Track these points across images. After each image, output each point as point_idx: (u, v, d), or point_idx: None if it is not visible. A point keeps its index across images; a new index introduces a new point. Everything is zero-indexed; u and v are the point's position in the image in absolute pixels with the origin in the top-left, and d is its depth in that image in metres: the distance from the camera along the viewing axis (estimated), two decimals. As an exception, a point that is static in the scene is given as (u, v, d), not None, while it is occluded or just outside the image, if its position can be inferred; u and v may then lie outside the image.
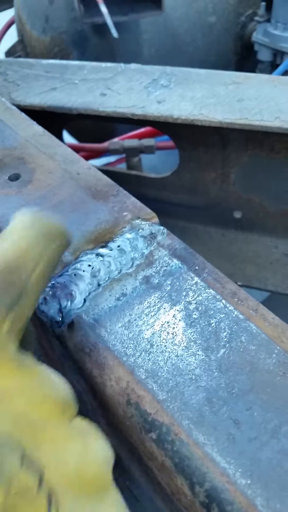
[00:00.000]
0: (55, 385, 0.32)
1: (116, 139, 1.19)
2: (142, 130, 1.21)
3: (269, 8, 1.68)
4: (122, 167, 1.35)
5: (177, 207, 1.05)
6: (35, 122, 0.65)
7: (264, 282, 0.98)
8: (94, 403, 0.51)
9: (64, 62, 0.86)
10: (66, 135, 1.74)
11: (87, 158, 1.24)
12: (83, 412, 0.69)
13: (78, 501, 0.27)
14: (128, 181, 1.05)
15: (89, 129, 1.57)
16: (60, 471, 0.28)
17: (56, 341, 0.46)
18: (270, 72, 1.70)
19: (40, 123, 0.65)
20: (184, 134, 0.85)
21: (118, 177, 1.05)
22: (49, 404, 0.31)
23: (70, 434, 0.31)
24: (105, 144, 1.16)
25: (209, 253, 1.04)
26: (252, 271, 1.00)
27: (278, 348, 0.38)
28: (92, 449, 0.31)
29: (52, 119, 0.80)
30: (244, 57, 1.85)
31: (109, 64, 0.83)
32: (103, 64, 0.83)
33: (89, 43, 1.47)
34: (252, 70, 1.87)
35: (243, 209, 0.98)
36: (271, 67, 1.78)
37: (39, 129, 0.63)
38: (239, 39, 1.78)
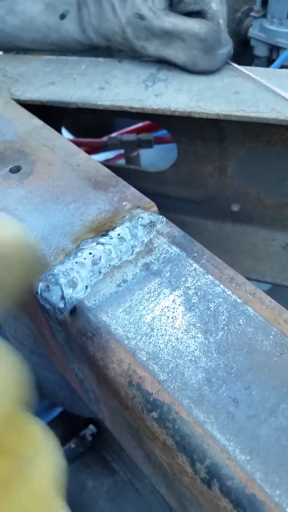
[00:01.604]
0: (12, 367, 0.32)
1: (114, 134, 1.20)
2: (140, 124, 1.22)
3: (264, 3, 1.69)
4: (121, 163, 1.37)
5: (176, 200, 1.06)
6: (34, 116, 0.65)
7: (262, 274, 0.99)
8: (97, 389, 0.52)
9: (62, 57, 0.87)
10: (64, 132, 1.75)
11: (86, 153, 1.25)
12: (82, 399, 0.70)
13: None
14: (127, 175, 1.06)
15: (88, 125, 1.58)
16: None
17: (59, 327, 0.47)
18: (267, 67, 1.71)
19: (39, 118, 0.66)
20: (182, 128, 0.86)
21: (117, 172, 1.06)
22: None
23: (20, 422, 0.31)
24: (104, 139, 1.17)
25: (207, 246, 1.04)
26: (250, 263, 1.01)
27: (275, 330, 0.39)
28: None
29: (50, 114, 0.81)
30: (240, 53, 1.85)
31: (107, 59, 0.84)
32: (101, 59, 0.84)
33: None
34: (249, 65, 1.88)
35: (241, 202, 0.99)
36: (268, 62, 1.79)
37: (39, 122, 0.64)
38: (235, 36, 1.78)
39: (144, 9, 0.72)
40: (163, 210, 1.12)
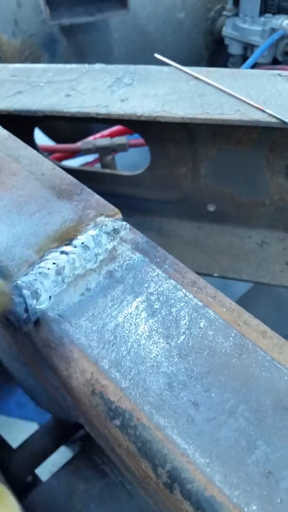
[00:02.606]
0: None
1: (89, 139, 1.20)
2: (114, 128, 1.23)
3: (236, 2, 1.70)
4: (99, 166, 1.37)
5: (152, 203, 1.06)
6: (0, 126, 0.65)
7: (239, 272, 1.00)
8: (68, 397, 0.52)
9: (30, 65, 0.87)
10: (43, 137, 1.75)
11: (62, 158, 1.25)
12: (63, 407, 0.70)
13: None
14: (103, 180, 1.06)
15: (64, 130, 1.58)
16: None
17: (25, 338, 0.48)
18: (242, 65, 1.72)
19: (10, 126, 0.66)
20: (153, 131, 0.87)
21: (93, 177, 1.06)
22: None
23: None
24: (78, 144, 1.17)
25: (185, 247, 1.06)
26: (228, 262, 1.02)
27: (234, 331, 0.40)
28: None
29: (21, 122, 0.81)
30: (215, 52, 1.87)
31: (73, 66, 0.84)
32: (68, 66, 0.84)
33: (59, 45, 1.48)
34: (224, 64, 1.89)
35: (216, 202, 0.99)
36: (243, 60, 1.81)
37: (4, 132, 0.64)
38: (209, 34, 1.80)
39: None
40: (140, 212, 1.13)
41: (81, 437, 1.12)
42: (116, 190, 1.05)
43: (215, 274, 1.00)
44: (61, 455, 1.14)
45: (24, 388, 1.06)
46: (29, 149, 0.61)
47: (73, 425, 1.12)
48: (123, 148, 1.10)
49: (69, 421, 1.12)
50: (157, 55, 0.83)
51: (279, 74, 0.79)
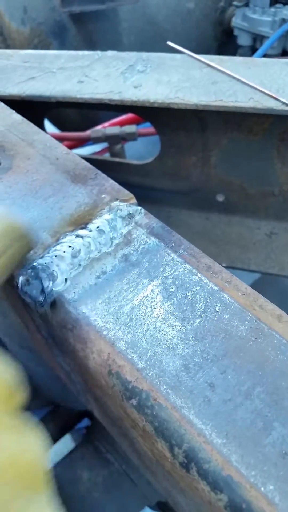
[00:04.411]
0: (3, 371, 0.33)
1: (98, 127, 1.20)
2: (124, 117, 1.22)
3: (247, -8, 1.69)
4: (108, 156, 1.36)
5: (161, 192, 1.06)
6: (14, 111, 0.65)
7: (248, 263, 1.00)
8: (81, 380, 0.53)
9: (42, 52, 0.87)
10: (49, 126, 1.75)
11: (70, 147, 1.25)
12: (73, 392, 0.71)
13: (10, 491, 0.27)
14: (112, 168, 1.06)
15: (72, 118, 1.57)
16: None
17: (41, 320, 0.48)
18: (250, 56, 1.71)
19: (20, 113, 0.66)
20: (164, 119, 0.87)
21: (102, 165, 1.06)
22: None
23: (12, 422, 0.31)
24: (87, 133, 1.17)
25: (194, 237, 1.06)
26: (236, 252, 1.02)
27: (250, 315, 0.40)
28: (30, 442, 0.31)
29: (32, 109, 0.81)
30: (224, 43, 1.86)
31: (86, 52, 0.84)
32: (80, 53, 0.84)
33: (68, 33, 1.47)
34: (233, 55, 1.88)
35: (225, 192, 0.99)
36: (251, 51, 1.80)
37: (17, 117, 0.64)
38: (218, 25, 1.79)
39: None
40: (148, 202, 1.13)
41: (86, 426, 1.13)
42: (125, 179, 1.05)
43: (224, 264, 1.01)
44: (65, 443, 1.15)
45: (31, 377, 1.06)
46: (42, 134, 0.61)
47: (78, 414, 1.13)
48: (132, 136, 1.10)
49: (74, 409, 1.13)
50: (169, 43, 0.83)
51: (292, 63, 0.78)
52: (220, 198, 1.01)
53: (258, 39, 1.73)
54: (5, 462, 0.28)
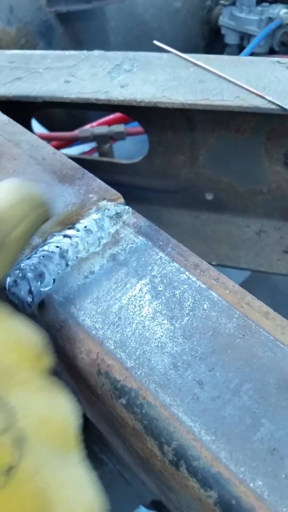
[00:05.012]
0: (30, 333, 0.33)
1: (86, 127, 1.19)
2: (112, 116, 1.22)
3: (233, -9, 1.70)
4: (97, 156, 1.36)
5: (150, 192, 1.06)
6: (0, 112, 0.65)
7: (237, 261, 1.00)
8: (71, 381, 0.53)
9: (28, 52, 0.87)
10: (37, 126, 1.74)
11: (58, 147, 1.25)
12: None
13: (43, 451, 0.28)
14: (101, 168, 1.06)
15: (60, 118, 1.57)
16: (29, 416, 0.28)
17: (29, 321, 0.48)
18: (238, 55, 1.72)
19: (7, 113, 0.66)
20: (151, 118, 0.87)
21: (91, 165, 1.06)
22: (23, 350, 0.32)
23: (41, 382, 0.31)
24: (75, 132, 1.16)
25: (183, 236, 1.06)
26: (226, 250, 1.03)
27: (237, 313, 0.40)
28: (60, 402, 0.31)
29: (19, 109, 0.81)
30: (212, 42, 1.86)
31: (72, 52, 0.84)
32: (67, 52, 0.84)
33: (55, 33, 1.47)
34: (221, 54, 1.89)
35: (214, 190, 1.00)
36: (239, 50, 1.80)
37: (4, 118, 0.64)
38: (206, 23, 1.79)
39: None
40: (138, 202, 1.13)
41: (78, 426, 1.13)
42: (114, 179, 1.05)
43: (213, 263, 1.01)
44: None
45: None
46: (29, 134, 0.61)
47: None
48: (121, 136, 1.10)
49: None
50: (156, 42, 0.83)
51: (278, 61, 0.79)
52: (209, 196, 1.01)
53: (245, 37, 1.73)
54: (38, 422, 0.28)
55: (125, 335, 0.41)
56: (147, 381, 0.37)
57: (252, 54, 1.58)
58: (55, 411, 0.30)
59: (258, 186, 0.94)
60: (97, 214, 0.50)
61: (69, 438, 0.30)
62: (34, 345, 0.33)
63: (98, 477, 0.94)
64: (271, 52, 1.69)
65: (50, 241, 0.48)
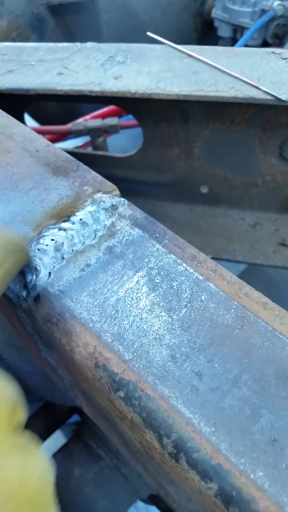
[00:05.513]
0: (3, 386, 0.32)
1: (79, 120, 1.18)
2: (105, 109, 1.21)
3: (226, -17, 1.68)
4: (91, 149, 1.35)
5: (145, 185, 1.06)
6: (-8, 104, 0.64)
7: (233, 254, 1.00)
8: (68, 375, 0.52)
9: (20, 44, 0.85)
10: (30, 120, 1.72)
11: (51, 141, 1.23)
12: (60, 388, 0.70)
13: None
14: (95, 162, 1.05)
15: (53, 112, 1.55)
16: (1, 482, 0.27)
17: (25, 316, 0.47)
18: (231, 47, 1.71)
19: (0, 106, 0.65)
20: (145, 110, 0.86)
21: (84, 159, 1.05)
22: None
23: (14, 440, 0.30)
24: (68, 126, 1.15)
25: (178, 229, 1.06)
26: (221, 243, 1.02)
27: (235, 304, 0.40)
28: (34, 461, 0.30)
29: (12, 102, 0.80)
30: (205, 34, 1.85)
31: (65, 44, 0.83)
32: (59, 45, 0.83)
33: (47, 26, 1.45)
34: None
35: (209, 183, 0.99)
36: (232, 42, 1.79)
37: (-4, 110, 0.63)
38: (198, 16, 1.78)
39: None
40: (132, 195, 1.12)
41: (75, 421, 1.13)
42: (108, 172, 1.04)
43: (209, 256, 1.00)
44: (56, 440, 1.14)
45: (18, 376, 1.06)
46: (22, 127, 0.60)
47: (68, 410, 1.12)
48: (114, 129, 1.09)
49: (63, 405, 1.12)
50: (149, 34, 0.82)
51: (272, 52, 0.78)
52: (204, 189, 1.00)
53: (238, 30, 1.72)
54: (13, 484, 0.27)
55: (123, 327, 0.40)
56: (146, 373, 0.37)
57: (246, 46, 1.57)
58: (29, 473, 0.29)
59: (253, 179, 0.94)
60: (92, 206, 0.50)
61: (45, 499, 0.29)
62: (7, 401, 0.31)
63: (96, 473, 0.93)
64: (265, 44, 1.68)
65: (45, 234, 0.47)
